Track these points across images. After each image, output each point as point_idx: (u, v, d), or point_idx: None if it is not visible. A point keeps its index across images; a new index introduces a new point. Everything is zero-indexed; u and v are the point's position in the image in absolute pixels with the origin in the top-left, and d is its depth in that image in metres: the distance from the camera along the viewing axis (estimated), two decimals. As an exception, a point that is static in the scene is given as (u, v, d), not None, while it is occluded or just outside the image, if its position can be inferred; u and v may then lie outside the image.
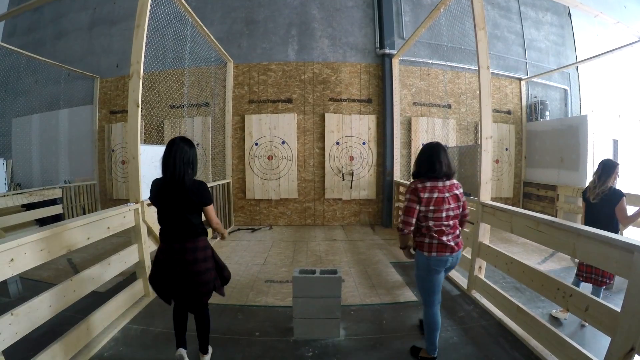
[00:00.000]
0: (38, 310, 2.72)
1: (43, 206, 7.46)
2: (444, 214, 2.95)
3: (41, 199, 7.45)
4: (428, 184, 2.94)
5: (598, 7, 7.11)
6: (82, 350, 3.12)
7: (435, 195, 2.92)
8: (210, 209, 2.94)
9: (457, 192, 3.04)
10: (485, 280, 4.20)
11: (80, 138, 9.59)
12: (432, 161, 2.96)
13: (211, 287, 2.96)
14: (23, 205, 7.10)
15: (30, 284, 4.60)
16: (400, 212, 3.22)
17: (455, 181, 3.09)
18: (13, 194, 6.84)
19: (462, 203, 3.07)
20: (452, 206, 2.98)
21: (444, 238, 2.94)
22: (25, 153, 9.66)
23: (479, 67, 4.31)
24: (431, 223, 2.95)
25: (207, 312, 3.04)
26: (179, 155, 2.72)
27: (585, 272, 3.72)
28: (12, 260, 2.50)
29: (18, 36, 10.37)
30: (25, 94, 9.47)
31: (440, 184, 2.95)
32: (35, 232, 2.81)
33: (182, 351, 3.01)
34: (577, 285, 3.73)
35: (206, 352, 3.09)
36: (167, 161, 2.73)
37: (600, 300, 2.54)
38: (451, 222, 3.01)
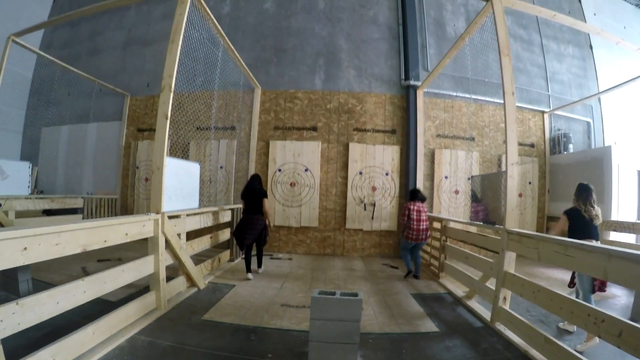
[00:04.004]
0: (45, 304, 2.69)
1: (63, 214, 7.56)
2: (416, 221, 6.30)
3: (62, 207, 7.55)
4: (411, 204, 6.43)
5: (618, 34, 7.06)
6: (85, 353, 3.05)
7: (415, 208, 6.37)
8: (265, 200, 6.29)
9: (423, 209, 6.48)
10: (510, 311, 4.05)
11: (106, 152, 9.81)
12: (414, 194, 6.62)
13: (263, 238, 6.39)
14: (44, 211, 7.20)
15: (42, 286, 4.53)
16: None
17: (424, 205, 6.55)
18: (36, 198, 6.93)
19: (426, 216, 6.50)
20: (422, 217, 6.35)
21: (415, 234, 6.29)
22: (51, 162, 9.94)
23: (504, 93, 4.35)
24: (411, 224, 6.29)
25: (262, 250, 6.57)
26: (257, 183, 6.49)
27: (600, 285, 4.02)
28: (25, 248, 2.50)
29: (54, 50, 10.67)
30: (57, 104, 9.82)
31: (414, 205, 6.40)
32: (53, 224, 2.81)
33: (250, 274, 6.16)
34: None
35: (260, 267, 6.58)
36: (249, 182, 6.57)
37: (635, 324, 2.40)
38: (422, 225, 6.32)
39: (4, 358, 2.37)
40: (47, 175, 9.85)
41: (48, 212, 7.34)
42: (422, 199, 6.54)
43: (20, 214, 6.50)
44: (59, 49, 10.79)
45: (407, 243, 6.44)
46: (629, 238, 6.44)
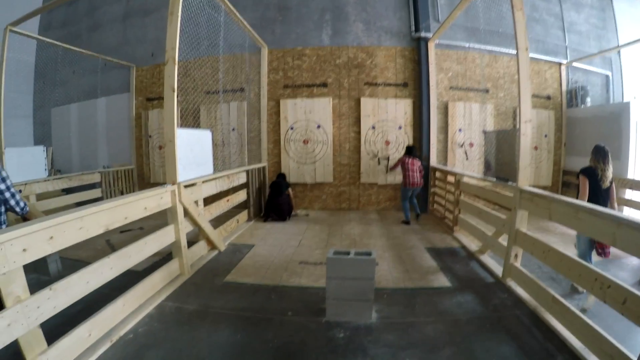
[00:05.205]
0: (76, 286, 2.80)
1: (82, 190, 7.72)
2: (411, 171, 7.24)
3: (80, 184, 7.70)
4: (407, 157, 7.34)
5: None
6: (117, 325, 3.20)
7: (410, 160, 7.29)
8: (290, 191, 7.99)
9: (417, 162, 7.36)
10: (521, 268, 4.06)
11: (118, 125, 9.85)
12: (410, 150, 7.50)
13: (286, 211, 7.81)
14: (63, 190, 7.37)
15: (70, 263, 4.72)
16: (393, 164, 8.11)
17: (417, 159, 7.42)
18: (54, 179, 7.06)
19: (419, 167, 7.38)
20: (415, 167, 7.27)
21: (411, 180, 7.22)
22: (64, 141, 10.07)
23: (517, 49, 4.18)
24: (407, 173, 7.24)
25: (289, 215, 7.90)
26: (282, 179, 8.05)
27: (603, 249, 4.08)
28: (51, 237, 2.58)
29: (54, 30, 10.62)
30: (64, 84, 9.82)
31: (410, 158, 7.31)
32: (75, 211, 2.87)
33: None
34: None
35: (290, 216, 7.96)
36: (277, 178, 8.12)
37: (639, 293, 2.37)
38: (416, 173, 7.25)
39: (44, 339, 2.50)
40: (62, 155, 9.99)
41: (67, 190, 7.49)
42: (416, 156, 7.50)
43: (40, 197, 6.63)
44: (58, 29, 10.67)
45: (406, 190, 7.34)
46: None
